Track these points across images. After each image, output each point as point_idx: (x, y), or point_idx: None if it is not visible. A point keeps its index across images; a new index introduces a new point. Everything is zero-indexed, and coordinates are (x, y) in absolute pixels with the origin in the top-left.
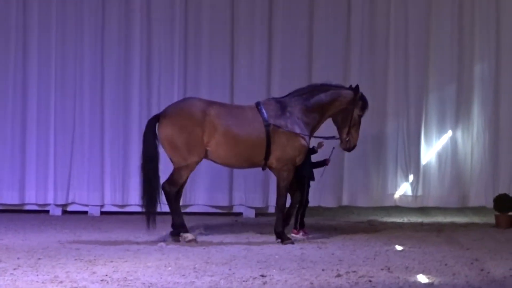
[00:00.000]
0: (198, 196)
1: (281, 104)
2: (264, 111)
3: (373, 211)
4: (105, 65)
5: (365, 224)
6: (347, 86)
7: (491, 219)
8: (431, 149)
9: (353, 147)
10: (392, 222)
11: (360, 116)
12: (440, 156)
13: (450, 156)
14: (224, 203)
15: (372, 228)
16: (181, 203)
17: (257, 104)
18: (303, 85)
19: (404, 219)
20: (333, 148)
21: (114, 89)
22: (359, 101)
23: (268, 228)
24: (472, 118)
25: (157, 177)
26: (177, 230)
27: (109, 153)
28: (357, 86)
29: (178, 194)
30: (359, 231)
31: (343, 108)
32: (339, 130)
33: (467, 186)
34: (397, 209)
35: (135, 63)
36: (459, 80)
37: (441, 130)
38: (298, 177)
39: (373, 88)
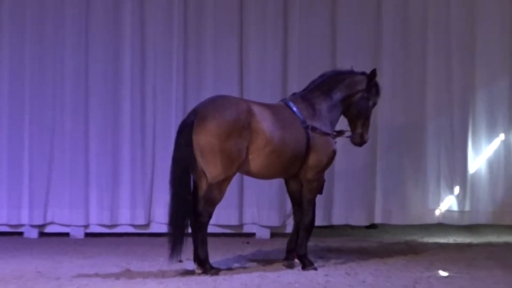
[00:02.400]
0: None
1: (309, 102)
2: (296, 109)
3: (412, 229)
4: (89, 61)
5: (402, 245)
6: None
7: None
8: (480, 156)
9: (366, 141)
10: (435, 243)
11: (374, 105)
12: (491, 163)
13: (503, 164)
14: (233, 221)
15: (410, 250)
16: None
17: (286, 102)
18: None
19: (449, 239)
20: (348, 135)
21: (101, 89)
22: (374, 87)
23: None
24: None
25: (190, 195)
26: (202, 265)
27: (95, 163)
28: (374, 71)
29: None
30: (395, 253)
31: (359, 97)
32: (353, 123)
33: None
34: (441, 227)
35: (126, 58)
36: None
37: (492, 133)
38: None
39: (408, 84)
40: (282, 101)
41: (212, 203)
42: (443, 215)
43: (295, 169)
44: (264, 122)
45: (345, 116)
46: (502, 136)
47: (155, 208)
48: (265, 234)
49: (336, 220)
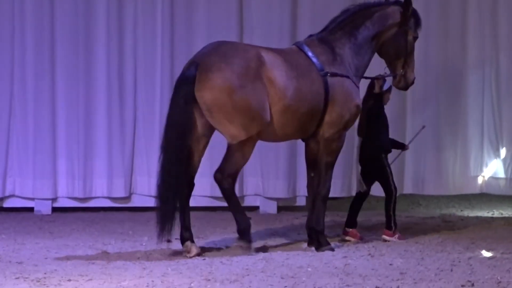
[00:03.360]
0: (196, 184)
1: (328, 44)
2: (311, 54)
3: (449, 201)
4: (56, 15)
5: (437, 220)
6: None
7: None
8: None
9: (412, 83)
10: (477, 217)
11: (415, 39)
12: None
13: None
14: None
15: (447, 226)
16: None
17: (299, 46)
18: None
19: (494, 212)
20: (423, 127)
21: (70, 45)
22: (411, 17)
23: (297, 228)
24: None
25: (184, 163)
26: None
27: (64, 125)
28: None
29: (191, 184)
30: (429, 230)
31: (394, 33)
32: (392, 64)
33: None
34: (484, 198)
35: (100, 13)
36: None
37: None
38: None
39: (445, 22)
40: (295, 45)
41: (233, 167)
42: (487, 183)
43: (313, 127)
44: (276, 71)
45: (381, 56)
46: None
47: (137, 177)
48: (271, 207)
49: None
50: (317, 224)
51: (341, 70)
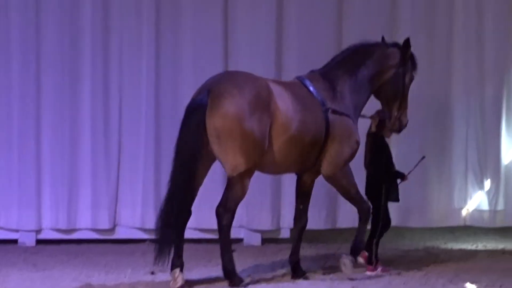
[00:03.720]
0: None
1: (329, 81)
2: (313, 89)
3: (433, 233)
4: (41, 35)
5: (421, 252)
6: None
7: None
8: None
9: (405, 126)
10: (461, 250)
11: (411, 81)
12: None
13: None
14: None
15: (431, 258)
16: (154, 226)
17: (301, 80)
18: (329, 57)
19: (478, 244)
20: (423, 157)
21: (55, 75)
22: (409, 60)
23: (281, 260)
24: None
25: (194, 189)
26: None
27: (49, 156)
28: (407, 40)
29: (190, 211)
30: (413, 262)
31: (393, 74)
32: (388, 105)
33: None
34: (468, 230)
35: (85, 30)
36: None
37: None
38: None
39: (431, 56)
40: (297, 79)
41: (234, 201)
42: (471, 215)
43: (311, 161)
44: (284, 103)
45: (378, 98)
46: None
47: (121, 209)
48: (255, 239)
49: (342, 223)
50: (357, 243)
51: (341, 107)
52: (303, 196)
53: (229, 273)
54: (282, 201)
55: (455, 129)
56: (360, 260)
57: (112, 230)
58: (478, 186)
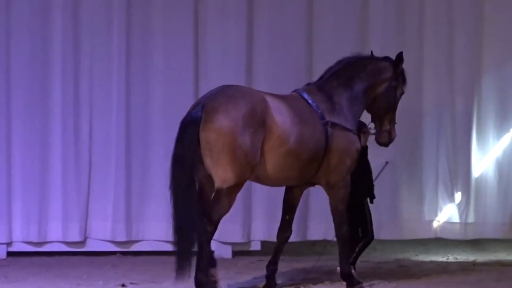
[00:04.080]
0: (148, 228)
1: (326, 93)
2: (312, 102)
3: (404, 246)
4: (11, 44)
5: (392, 264)
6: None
7: None
8: (487, 156)
9: (393, 139)
10: (432, 262)
11: (401, 95)
12: (500, 165)
13: None
14: None
15: (402, 271)
16: (124, 239)
17: (300, 93)
18: (299, 68)
19: (449, 256)
20: (386, 163)
21: (26, 88)
22: (400, 74)
23: (252, 273)
24: None
25: (197, 201)
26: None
27: (20, 170)
28: (400, 55)
29: None
30: (384, 275)
31: (386, 87)
32: (379, 119)
33: None
34: (439, 242)
35: (55, 42)
36: None
37: (501, 128)
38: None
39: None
40: (295, 92)
41: (218, 213)
42: (442, 228)
43: (310, 174)
44: (280, 117)
45: (369, 111)
46: None
47: (92, 221)
48: (225, 252)
49: (313, 235)
50: (343, 267)
51: (340, 119)
52: (290, 207)
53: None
54: (253, 214)
55: (426, 141)
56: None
57: (83, 242)
58: (449, 198)
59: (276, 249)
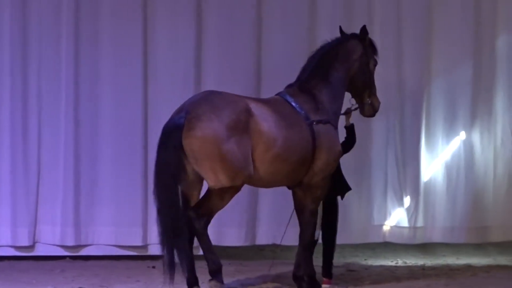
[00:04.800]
0: (98, 232)
1: (308, 93)
2: (295, 104)
3: (353, 250)
4: None
5: (341, 269)
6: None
7: None
8: (436, 160)
9: (378, 109)
10: (381, 266)
11: (375, 66)
12: (449, 169)
13: (463, 169)
14: (136, 241)
15: (351, 275)
16: (73, 243)
17: (283, 96)
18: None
19: (398, 261)
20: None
21: None
22: (369, 46)
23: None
24: (495, 114)
25: (180, 208)
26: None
27: None
28: (364, 28)
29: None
30: (333, 279)
31: (359, 66)
32: (359, 95)
33: (488, 212)
34: (388, 246)
35: (3, 40)
36: (476, 59)
37: (451, 132)
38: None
39: None
40: (278, 95)
41: (209, 210)
42: (391, 232)
43: (302, 175)
44: (266, 122)
45: (348, 91)
46: (462, 135)
47: (41, 226)
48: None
49: (261, 240)
50: (298, 270)
51: (323, 117)
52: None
53: (215, 272)
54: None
55: (374, 145)
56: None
57: (32, 247)
58: (398, 203)
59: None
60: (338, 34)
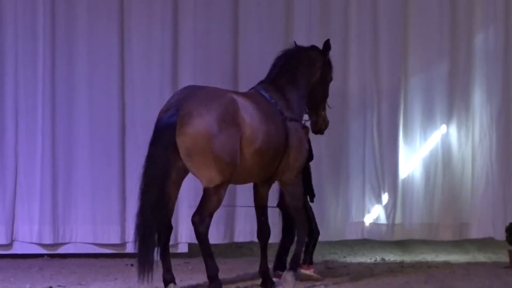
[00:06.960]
0: (76, 230)
1: (279, 90)
2: (270, 99)
3: (331, 247)
4: None
5: (319, 266)
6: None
7: (502, 257)
8: (414, 156)
9: (328, 125)
10: (359, 263)
11: (331, 81)
12: (427, 166)
13: (441, 166)
14: (114, 239)
15: (330, 273)
16: (51, 242)
17: (259, 91)
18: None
19: (377, 258)
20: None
21: None
22: (328, 62)
23: (180, 275)
24: (473, 110)
25: (167, 206)
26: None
27: None
28: (327, 42)
29: (170, 227)
30: (310, 277)
31: (319, 77)
32: (315, 107)
33: (467, 209)
34: (366, 244)
35: None
36: (453, 56)
37: (428, 129)
38: None
39: None
40: (253, 90)
41: (209, 214)
42: (369, 229)
43: (271, 171)
44: (249, 115)
45: (307, 101)
46: (440, 132)
47: (19, 224)
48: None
49: (239, 237)
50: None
51: (293, 115)
52: (262, 208)
53: (212, 277)
54: (180, 216)
55: (352, 142)
56: (307, 272)
57: (9, 245)
58: (376, 200)
59: (262, 251)
60: (315, 34)
